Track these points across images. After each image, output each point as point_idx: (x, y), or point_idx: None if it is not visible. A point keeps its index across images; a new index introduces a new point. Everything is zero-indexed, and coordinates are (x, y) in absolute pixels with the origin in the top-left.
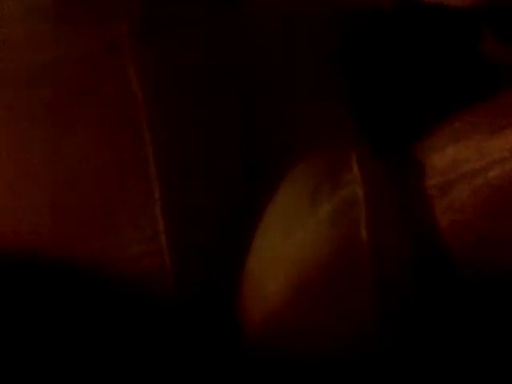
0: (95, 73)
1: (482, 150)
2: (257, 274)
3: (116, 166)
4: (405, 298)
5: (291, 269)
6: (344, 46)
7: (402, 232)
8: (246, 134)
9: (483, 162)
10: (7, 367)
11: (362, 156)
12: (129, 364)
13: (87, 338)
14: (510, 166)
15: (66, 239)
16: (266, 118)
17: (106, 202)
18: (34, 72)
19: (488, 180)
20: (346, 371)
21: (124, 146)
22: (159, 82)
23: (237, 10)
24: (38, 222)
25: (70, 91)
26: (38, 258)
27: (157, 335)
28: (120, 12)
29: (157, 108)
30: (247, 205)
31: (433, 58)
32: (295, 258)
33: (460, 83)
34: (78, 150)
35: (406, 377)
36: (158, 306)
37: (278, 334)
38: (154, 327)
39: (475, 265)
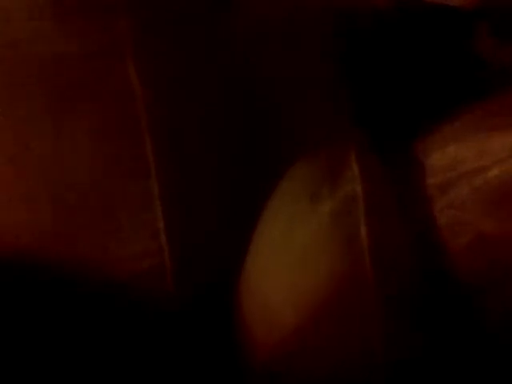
0: (95, 70)
1: (481, 149)
2: (254, 275)
3: (116, 165)
4: (406, 296)
5: (291, 270)
6: (344, 46)
7: (402, 230)
8: (246, 132)
9: (483, 162)
10: (7, 368)
11: (361, 154)
12: (128, 363)
13: (87, 337)
14: (509, 166)
15: (67, 239)
16: (265, 117)
17: (106, 201)
18: (34, 69)
19: (487, 179)
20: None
21: (123, 145)
22: (159, 80)
23: (237, 10)
24: (38, 222)
25: (71, 89)
26: (38, 257)
27: (156, 334)
28: (121, 10)
29: (156, 106)
30: (247, 204)
31: (432, 58)
32: (295, 258)
33: (459, 83)
34: (77, 148)
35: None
36: (157, 304)
37: (277, 344)
38: (153, 326)
39: (474, 263)
